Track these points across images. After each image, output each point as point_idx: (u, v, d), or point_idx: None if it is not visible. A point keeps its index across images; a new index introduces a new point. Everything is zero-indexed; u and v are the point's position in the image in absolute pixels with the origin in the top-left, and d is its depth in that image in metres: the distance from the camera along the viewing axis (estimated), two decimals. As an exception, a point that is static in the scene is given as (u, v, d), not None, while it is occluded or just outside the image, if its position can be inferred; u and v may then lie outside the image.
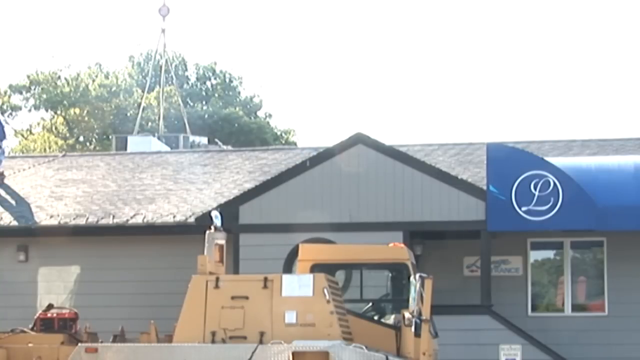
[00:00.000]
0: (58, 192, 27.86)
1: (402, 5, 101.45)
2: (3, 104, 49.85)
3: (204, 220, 21.35)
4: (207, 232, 19.17)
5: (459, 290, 23.25)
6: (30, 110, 55.51)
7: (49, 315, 19.79)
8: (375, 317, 19.55)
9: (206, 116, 53.93)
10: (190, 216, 24.76)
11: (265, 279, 17.94)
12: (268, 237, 22.96)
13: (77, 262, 25.66)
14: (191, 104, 54.07)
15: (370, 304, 20.46)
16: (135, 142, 35.97)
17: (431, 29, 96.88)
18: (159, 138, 39.88)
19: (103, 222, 25.50)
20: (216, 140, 46.19)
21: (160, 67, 48.94)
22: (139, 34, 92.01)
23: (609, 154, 25.95)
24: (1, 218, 26.31)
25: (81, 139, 53.51)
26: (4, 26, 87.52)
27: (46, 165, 30.98)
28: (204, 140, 40.70)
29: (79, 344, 18.17)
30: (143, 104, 51.70)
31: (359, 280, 20.74)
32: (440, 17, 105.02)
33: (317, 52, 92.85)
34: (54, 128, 54.29)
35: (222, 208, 22.35)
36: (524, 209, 22.74)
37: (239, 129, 53.70)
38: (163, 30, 47.91)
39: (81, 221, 25.59)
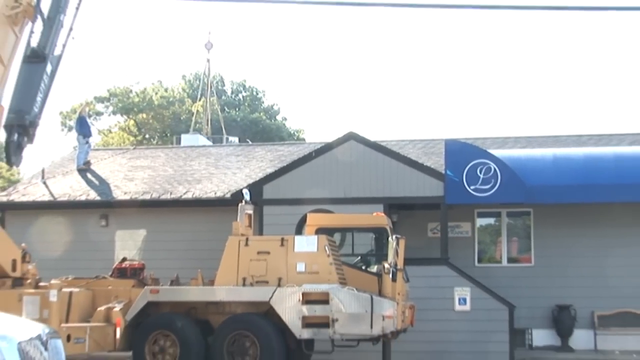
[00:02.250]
0: (130, 175, 27.72)
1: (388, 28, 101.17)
2: (90, 110, 49.70)
3: (237, 196, 21.34)
4: (240, 204, 19.63)
5: (424, 248, 23.06)
6: (109, 115, 55.29)
7: (123, 265, 20.31)
8: (363, 267, 19.72)
9: (238, 119, 53.60)
10: (227, 193, 24.58)
11: (282, 239, 18.56)
12: (284, 208, 22.80)
13: (143, 226, 25.51)
14: (227, 110, 53.65)
15: (359, 257, 20.49)
16: (186, 139, 35.75)
17: (402, 42, 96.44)
18: (204, 136, 39.65)
19: (163, 197, 25.37)
20: (247, 139, 46.04)
21: (205, 83, 48.82)
22: (190, 59, 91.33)
23: (535, 147, 25.88)
24: (89, 194, 26.11)
25: (147, 136, 53.27)
26: (91, 53, 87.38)
27: (121, 156, 30.80)
28: (236, 138, 40.38)
29: (145, 287, 18.55)
30: (193, 111, 51.63)
31: (351, 240, 21.32)
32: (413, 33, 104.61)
33: (321, 70, 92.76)
34: (127, 128, 54.05)
35: (251, 187, 22.42)
36: (472, 187, 22.57)
37: (262, 129, 53.45)
38: (208, 60, 47.88)
39: (147, 196, 25.47)
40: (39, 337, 8.33)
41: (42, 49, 18.47)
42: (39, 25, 18.61)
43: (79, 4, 19.37)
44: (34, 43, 18.56)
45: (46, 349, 8.36)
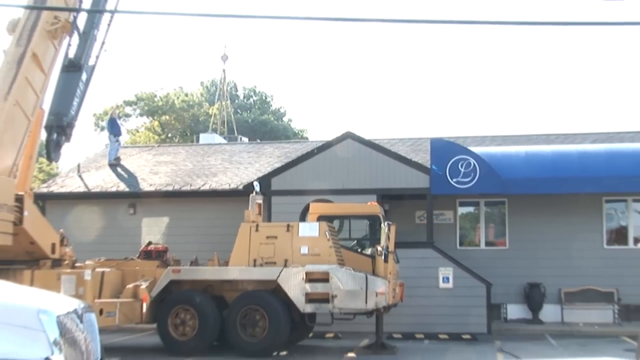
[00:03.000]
0: (155, 170, 27.76)
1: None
2: (120, 112, 49.73)
3: (249, 188, 21.38)
4: (251, 195, 19.66)
5: (412, 233, 23.06)
6: (137, 117, 55.06)
7: (148, 249, 20.52)
8: (359, 250, 19.78)
9: (249, 121, 53.47)
10: (239, 185, 24.62)
11: (288, 225, 18.79)
12: (290, 198, 22.80)
13: (167, 214, 25.59)
14: (240, 113, 53.58)
15: (356, 241, 20.55)
16: (204, 138, 35.66)
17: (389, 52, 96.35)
18: (220, 135, 39.68)
19: (184, 188, 25.41)
20: (257, 139, 46.11)
21: (221, 89, 48.75)
22: (207, 67, 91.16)
23: (509, 145, 25.80)
24: (119, 186, 26.22)
25: (169, 135, 53.19)
26: (121, 62, 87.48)
27: (147, 152, 30.83)
28: (246, 138, 40.39)
29: (168, 267, 18.73)
30: (210, 113, 51.63)
31: (348, 226, 21.28)
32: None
33: (321, 77, 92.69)
34: (152, 128, 53.86)
35: (260, 180, 22.38)
36: (454, 180, 22.56)
37: (270, 129, 53.29)
38: (224, 70, 47.79)
39: (169, 188, 25.50)
40: (75, 311, 8.34)
41: (78, 60, 18.61)
42: (75, 39, 18.76)
43: (110, 21, 19.50)
44: (71, 54, 18.71)
45: (81, 321, 8.36)
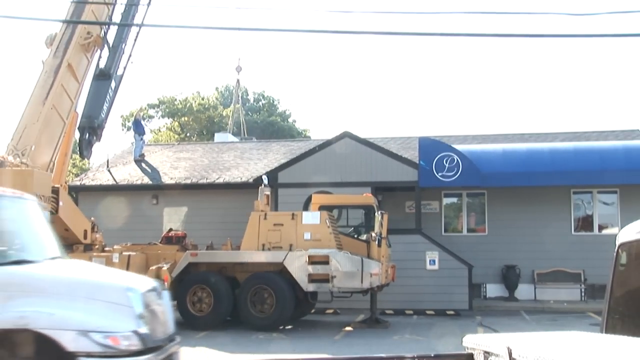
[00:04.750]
0: (175, 165, 27.81)
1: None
2: (144, 114, 49.79)
3: (258, 181, 21.45)
4: (260, 187, 19.57)
5: (402, 220, 23.13)
6: (159, 118, 55.01)
7: (169, 235, 20.57)
8: (355, 236, 19.77)
9: (258, 122, 53.51)
10: (250, 178, 24.67)
11: (293, 214, 18.95)
12: (294, 190, 22.88)
13: (185, 204, 25.64)
14: (250, 114, 53.67)
15: (352, 228, 20.58)
16: (219, 137, 35.59)
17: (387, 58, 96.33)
18: (230, 133, 39.80)
19: (200, 181, 25.46)
20: (270, 139, 46.44)
21: (235, 95, 48.87)
22: (221, 74, 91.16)
23: (488, 143, 25.86)
24: (143, 179, 26.30)
25: (188, 135, 53.28)
26: (145, 69, 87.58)
27: (168, 150, 30.91)
28: (253, 138, 40.52)
29: (187, 251, 18.66)
30: (227, 115, 51.74)
31: (346, 214, 21.13)
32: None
33: (322, 82, 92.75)
34: (172, 129, 53.85)
35: (268, 173, 22.54)
36: (439, 174, 22.63)
37: (277, 129, 53.21)
38: (238, 80, 47.84)
39: (188, 181, 25.56)
40: (155, 289, 8.52)
41: (108, 70, 18.80)
42: (105, 52, 18.93)
43: (137, 36, 19.67)
44: (102, 65, 18.90)
45: (160, 298, 8.62)
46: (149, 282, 8.67)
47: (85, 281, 8.32)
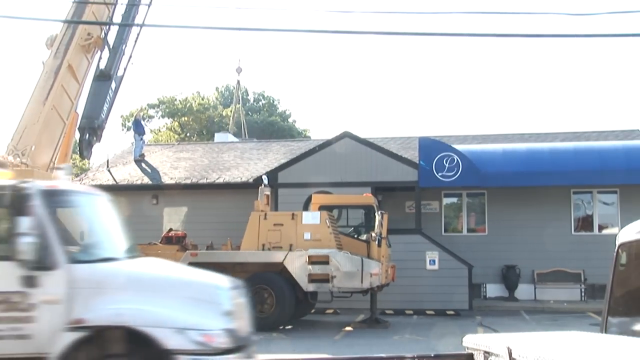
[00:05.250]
0: (175, 165, 27.83)
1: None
2: (144, 114, 49.81)
3: (258, 181, 21.46)
4: (260, 187, 19.55)
5: (402, 220, 23.15)
6: (159, 118, 55.01)
7: (169, 234, 20.62)
8: (355, 236, 19.83)
9: (258, 122, 53.50)
10: (250, 178, 24.66)
11: (293, 214, 19.04)
12: (294, 190, 22.88)
13: (185, 204, 25.65)
14: (250, 114, 53.67)
15: (352, 228, 20.61)
16: (219, 137, 35.59)
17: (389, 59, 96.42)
18: (232, 134, 39.79)
19: (200, 181, 25.46)
20: (270, 140, 46.49)
21: (235, 95, 48.90)
22: (221, 74, 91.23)
23: (488, 143, 25.89)
24: (143, 179, 26.31)
25: (188, 135, 53.31)
26: (145, 69, 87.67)
27: (168, 150, 30.94)
28: (256, 138, 40.52)
29: (187, 251, 18.68)
30: (227, 115, 51.79)
31: (346, 214, 21.24)
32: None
33: (322, 82, 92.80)
34: (172, 129, 53.85)
35: (268, 173, 22.56)
36: (439, 174, 22.66)
37: (277, 129, 53.24)
38: (238, 81, 47.88)
39: (188, 181, 25.57)
40: (237, 286, 8.63)
41: (108, 71, 18.79)
42: (106, 53, 18.93)
43: (137, 37, 19.66)
44: (102, 66, 18.89)
45: (241, 295, 8.67)
46: (231, 280, 8.74)
47: (176, 279, 8.51)
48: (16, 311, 7.75)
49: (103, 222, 9.48)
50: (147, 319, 7.60)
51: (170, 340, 7.48)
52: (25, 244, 7.74)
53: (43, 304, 7.76)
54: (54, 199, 8.51)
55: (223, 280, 8.54)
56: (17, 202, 8.12)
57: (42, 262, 7.79)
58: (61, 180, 10.06)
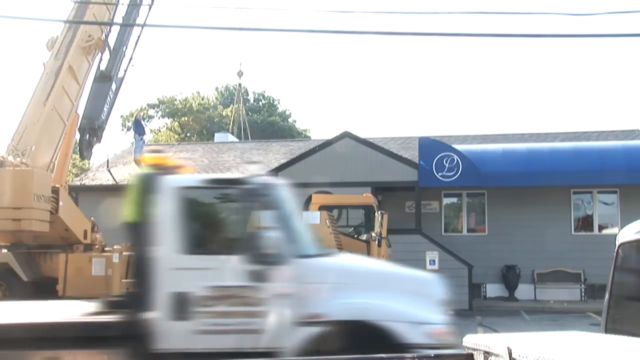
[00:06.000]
0: (175, 165, 27.75)
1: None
2: (144, 114, 49.83)
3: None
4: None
5: (402, 220, 23.13)
6: (159, 118, 55.02)
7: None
8: (355, 236, 19.65)
9: (258, 122, 53.58)
10: (250, 179, 24.61)
11: (294, 214, 17.98)
12: (294, 190, 22.94)
13: (186, 204, 25.55)
14: (250, 114, 53.76)
15: (352, 228, 20.52)
16: (219, 137, 35.65)
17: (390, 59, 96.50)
18: (232, 134, 39.80)
19: (200, 182, 25.40)
20: (270, 139, 46.49)
21: (237, 96, 48.90)
22: (221, 74, 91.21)
23: (488, 143, 25.90)
24: (143, 180, 26.23)
25: (188, 135, 53.33)
26: (145, 69, 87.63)
27: (168, 150, 30.88)
28: (255, 139, 40.48)
29: None
30: (226, 115, 51.81)
31: (346, 214, 21.13)
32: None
33: (322, 82, 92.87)
34: (172, 128, 53.90)
35: (268, 174, 22.26)
36: (439, 174, 22.71)
37: (277, 129, 53.24)
38: (240, 84, 48.01)
39: (188, 181, 25.47)
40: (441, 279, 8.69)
41: (109, 72, 18.86)
42: (106, 55, 19.00)
43: (137, 39, 19.73)
44: (103, 67, 18.96)
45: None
46: (430, 272, 8.82)
47: (395, 273, 8.59)
48: (247, 306, 7.82)
49: (298, 217, 9.58)
50: (385, 313, 7.67)
51: (407, 335, 7.52)
52: (266, 239, 7.84)
53: (274, 298, 7.81)
54: (279, 193, 8.69)
55: (429, 274, 8.65)
56: (259, 196, 8.18)
57: (274, 257, 7.86)
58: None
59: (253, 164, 9.45)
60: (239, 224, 8.47)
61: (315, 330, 7.63)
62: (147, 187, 8.49)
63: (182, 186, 8.54)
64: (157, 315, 7.90)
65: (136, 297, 8.23)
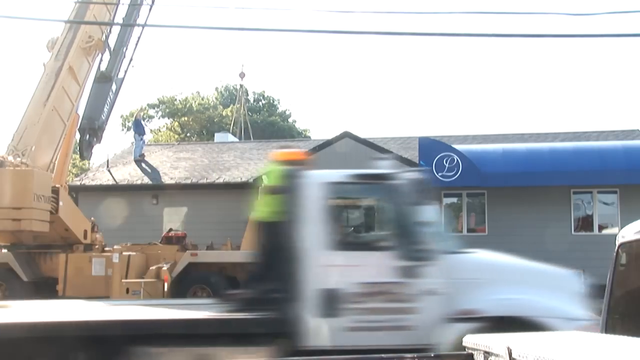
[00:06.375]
0: (175, 165, 27.83)
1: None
2: (144, 114, 49.88)
3: (258, 180, 21.24)
4: (260, 187, 19.09)
5: (403, 220, 23.12)
6: (159, 118, 55.02)
7: (169, 235, 20.63)
8: (355, 236, 19.32)
9: (259, 122, 53.60)
10: (250, 178, 24.67)
11: (293, 212, 17.96)
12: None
13: (185, 204, 25.62)
14: (250, 114, 53.86)
15: (352, 228, 20.24)
16: (219, 137, 35.63)
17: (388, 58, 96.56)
18: (233, 135, 39.83)
19: (200, 181, 25.48)
20: (270, 139, 46.52)
21: (234, 94, 48.98)
22: (221, 74, 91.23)
23: (488, 143, 25.85)
24: (143, 179, 26.32)
25: (188, 135, 53.35)
26: (145, 69, 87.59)
27: (168, 150, 30.94)
28: (255, 139, 40.51)
29: (187, 251, 18.66)
30: (226, 115, 51.84)
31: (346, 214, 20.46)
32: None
33: (322, 83, 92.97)
34: (172, 129, 53.92)
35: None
36: (439, 174, 22.63)
37: (277, 130, 53.28)
38: (241, 85, 48.02)
39: (188, 181, 25.58)
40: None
41: (109, 73, 18.92)
42: (107, 55, 19.05)
43: (138, 40, 19.80)
44: (103, 68, 19.02)
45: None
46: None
47: (534, 269, 8.68)
48: (397, 302, 7.80)
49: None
50: (539, 309, 7.70)
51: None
52: (418, 234, 7.84)
53: (424, 295, 7.78)
54: (425, 188, 8.58)
55: (564, 269, 8.73)
56: (408, 192, 8.14)
57: (424, 253, 7.85)
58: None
59: (384, 160, 9.42)
60: (388, 220, 8.46)
61: (469, 326, 7.47)
62: (287, 183, 8.42)
63: (329, 182, 8.55)
64: (305, 312, 7.83)
65: (282, 294, 8.08)
